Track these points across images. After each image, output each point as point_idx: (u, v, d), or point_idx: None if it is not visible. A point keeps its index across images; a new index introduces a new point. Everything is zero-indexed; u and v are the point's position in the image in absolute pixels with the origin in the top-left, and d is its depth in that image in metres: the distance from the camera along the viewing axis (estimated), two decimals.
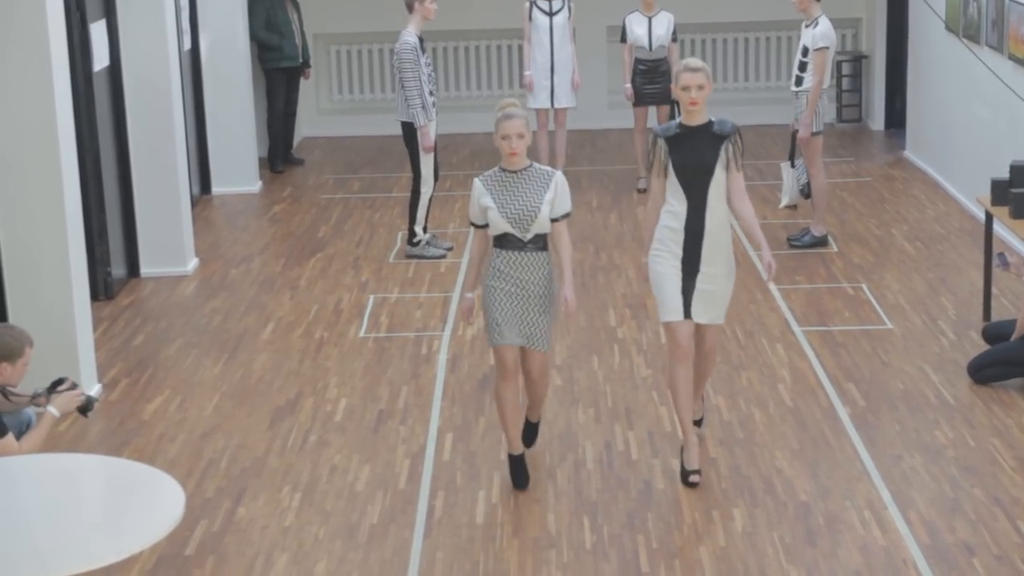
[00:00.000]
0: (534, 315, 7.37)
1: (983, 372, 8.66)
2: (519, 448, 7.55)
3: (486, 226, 7.41)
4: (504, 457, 7.73)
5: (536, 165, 7.41)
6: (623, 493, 7.46)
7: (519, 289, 7.35)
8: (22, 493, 5.68)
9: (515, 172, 7.37)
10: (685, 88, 7.31)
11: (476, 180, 7.42)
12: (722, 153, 7.34)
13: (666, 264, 7.43)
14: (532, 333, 7.38)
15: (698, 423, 7.97)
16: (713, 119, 7.40)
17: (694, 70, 7.31)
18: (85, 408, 7.06)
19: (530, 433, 7.91)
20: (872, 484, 7.47)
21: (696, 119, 7.38)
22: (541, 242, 7.37)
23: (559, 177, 7.36)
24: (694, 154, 7.33)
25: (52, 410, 6.87)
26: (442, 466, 7.84)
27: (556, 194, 7.33)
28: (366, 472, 7.80)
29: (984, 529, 6.96)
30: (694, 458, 7.52)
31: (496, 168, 7.44)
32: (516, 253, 7.34)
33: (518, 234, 7.32)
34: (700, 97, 7.32)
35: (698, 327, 7.52)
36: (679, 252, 7.39)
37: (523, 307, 7.36)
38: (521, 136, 7.32)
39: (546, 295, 7.39)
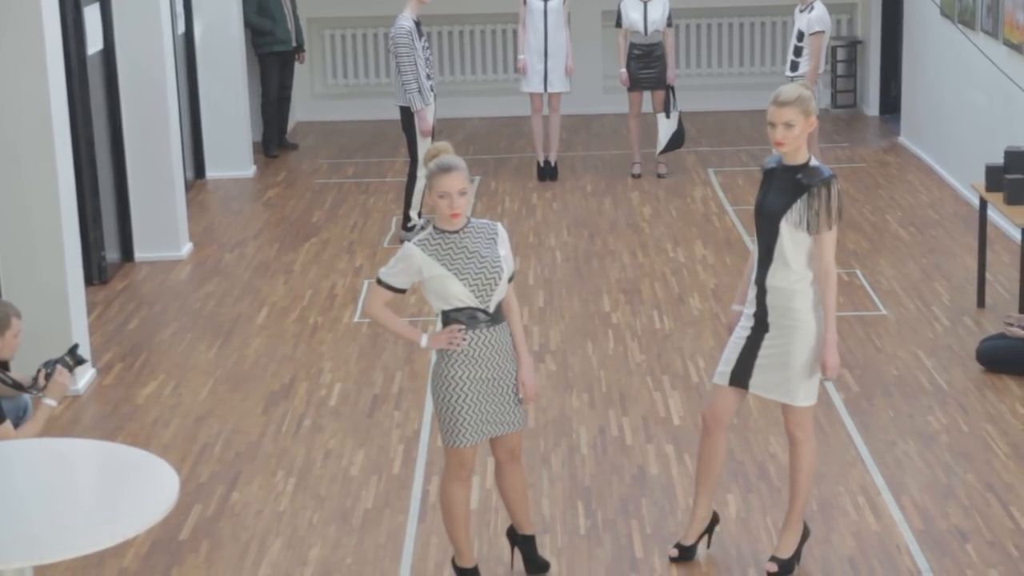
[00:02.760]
0: (511, 399, 6.18)
1: (998, 365, 8.61)
2: (473, 559, 6.38)
3: (402, 291, 6.12)
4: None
5: (474, 220, 6.12)
6: (617, 478, 7.47)
7: (494, 374, 6.10)
8: (16, 478, 5.67)
9: (456, 232, 6.04)
10: (771, 124, 6.12)
11: (412, 247, 6.00)
12: (796, 206, 6.13)
13: (741, 321, 6.38)
14: (510, 418, 6.19)
15: (784, 567, 6.47)
16: (812, 163, 6.20)
17: (781, 104, 6.09)
18: (80, 361, 7.05)
19: (533, 554, 6.54)
20: (866, 470, 7.49)
21: (792, 158, 6.18)
22: (500, 312, 6.12)
23: (502, 229, 6.15)
24: (772, 198, 6.22)
25: (49, 401, 6.85)
26: (436, 451, 7.84)
27: (507, 249, 6.12)
28: (360, 457, 7.81)
29: (977, 515, 6.97)
30: (690, 535, 6.62)
31: (430, 230, 6.07)
32: (486, 331, 6.05)
33: (480, 304, 6.02)
34: (787, 138, 6.10)
35: (782, 409, 6.44)
36: (753, 308, 6.32)
37: (498, 394, 6.13)
38: (463, 193, 5.96)
39: (515, 373, 6.20)
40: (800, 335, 6.23)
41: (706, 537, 6.70)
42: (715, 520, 6.69)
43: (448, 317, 6.08)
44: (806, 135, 6.19)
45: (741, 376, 6.36)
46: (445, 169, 5.95)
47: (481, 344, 6.07)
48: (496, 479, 6.47)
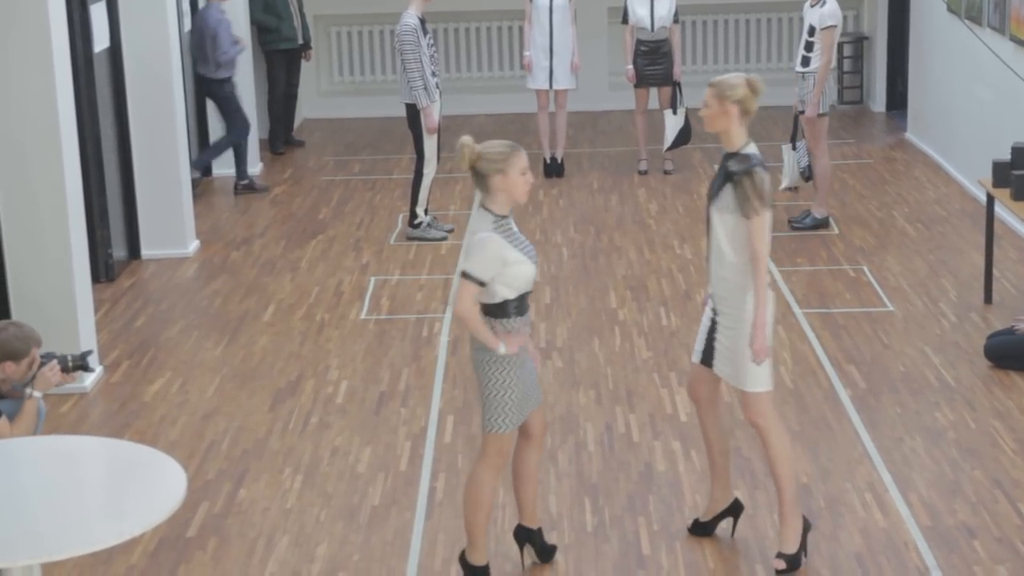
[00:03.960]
0: (533, 372, 6.27)
1: (1005, 361, 8.61)
2: (485, 556, 6.41)
3: (485, 284, 5.99)
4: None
5: None
6: (624, 475, 7.46)
7: (525, 353, 6.17)
8: (23, 475, 5.67)
9: (507, 216, 6.04)
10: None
11: (493, 236, 5.94)
12: (723, 193, 6.20)
13: (709, 302, 6.47)
14: (535, 390, 6.28)
15: (791, 562, 6.42)
16: (745, 151, 6.23)
17: (709, 85, 6.31)
18: (82, 367, 6.98)
19: (543, 543, 6.63)
20: (873, 466, 7.48)
21: (726, 144, 6.28)
22: None
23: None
24: (713, 185, 6.33)
25: (34, 393, 6.82)
26: (443, 448, 7.84)
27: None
28: (367, 454, 7.81)
29: (985, 511, 6.97)
30: (707, 512, 6.76)
31: (491, 216, 6.01)
32: (527, 315, 6.13)
33: (529, 288, 6.11)
34: (706, 115, 6.26)
35: (741, 397, 6.50)
36: (711, 291, 6.45)
37: (528, 371, 6.20)
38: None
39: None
40: (743, 322, 6.26)
41: (731, 523, 6.76)
42: (737, 507, 6.73)
43: (503, 308, 6.02)
44: (726, 121, 6.22)
45: (708, 356, 6.47)
46: (516, 148, 5.99)
47: (526, 327, 6.13)
48: (516, 465, 6.45)
